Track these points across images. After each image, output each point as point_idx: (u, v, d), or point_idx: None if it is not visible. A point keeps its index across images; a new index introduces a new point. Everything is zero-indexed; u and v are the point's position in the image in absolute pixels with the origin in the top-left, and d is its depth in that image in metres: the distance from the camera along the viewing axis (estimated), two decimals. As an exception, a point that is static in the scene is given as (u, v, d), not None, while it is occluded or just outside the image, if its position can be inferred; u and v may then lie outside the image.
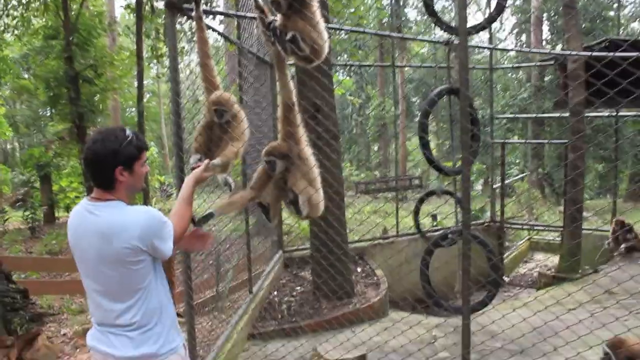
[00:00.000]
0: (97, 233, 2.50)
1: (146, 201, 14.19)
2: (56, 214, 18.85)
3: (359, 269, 7.77)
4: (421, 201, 8.61)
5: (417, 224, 8.35)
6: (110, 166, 2.52)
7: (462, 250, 3.13)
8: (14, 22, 18.95)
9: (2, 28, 18.73)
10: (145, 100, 17.22)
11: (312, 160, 3.23)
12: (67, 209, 18.90)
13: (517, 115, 19.15)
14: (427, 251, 5.17)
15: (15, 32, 19.31)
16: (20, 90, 27.81)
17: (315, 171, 3.23)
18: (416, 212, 8.35)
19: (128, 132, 2.59)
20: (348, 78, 27.65)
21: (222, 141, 3.51)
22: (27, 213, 15.44)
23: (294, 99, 3.24)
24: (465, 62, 3.01)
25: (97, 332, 2.68)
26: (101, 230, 2.49)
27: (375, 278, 7.30)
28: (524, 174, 19.77)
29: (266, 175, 3.37)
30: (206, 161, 3.15)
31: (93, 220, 2.53)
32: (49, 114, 25.78)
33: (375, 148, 31.33)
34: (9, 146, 38.38)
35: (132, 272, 2.51)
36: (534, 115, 18.14)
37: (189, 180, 3.01)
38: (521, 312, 3.81)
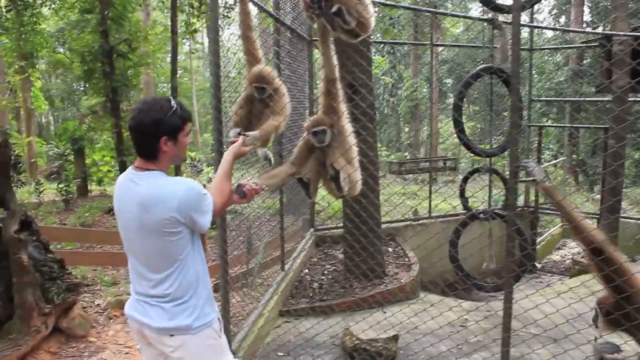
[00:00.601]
0: (138, 202, 2.51)
1: (177, 174, 14.29)
2: (89, 187, 19.16)
3: (390, 250, 7.71)
4: (465, 180, 8.47)
5: (466, 204, 8.19)
6: (154, 136, 2.51)
7: (506, 231, 3.06)
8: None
9: (40, 1, 18.90)
10: (177, 76, 17.23)
11: (352, 137, 3.17)
12: (100, 182, 19.19)
13: (556, 99, 18.66)
14: (455, 230, 5.11)
15: (52, 6, 19.48)
16: (56, 65, 28.21)
17: (355, 149, 3.18)
18: (462, 192, 8.19)
19: (173, 102, 2.57)
20: (381, 57, 27.30)
21: (262, 115, 3.47)
22: (61, 186, 15.70)
23: (337, 73, 3.17)
24: (517, 38, 2.89)
25: (134, 301, 2.70)
26: (141, 200, 2.50)
27: (407, 260, 7.23)
28: (558, 160, 19.32)
29: (307, 150, 3.33)
30: (237, 133, 3.12)
31: (135, 189, 2.54)
32: (83, 88, 26.10)
33: (406, 129, 31.03)
34: (44, 119, 39.06)
35: (170, 243, 2.51)
36: (573, 98, 17.63)
37: (227, 154, 3.00)
38: (554, 301, 3.70)
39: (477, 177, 9.99)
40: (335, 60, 3.17)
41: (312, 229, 8.17)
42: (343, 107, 3.23)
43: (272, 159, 3.62)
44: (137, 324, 2.67)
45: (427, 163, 10.00)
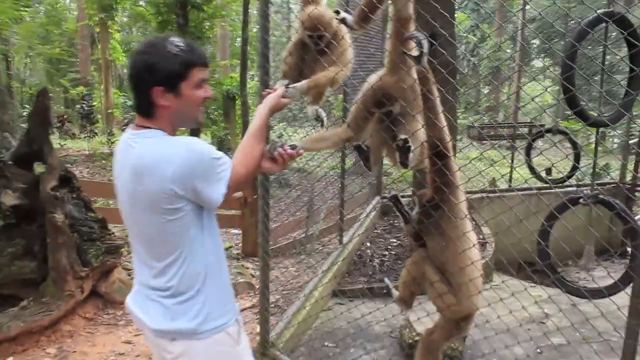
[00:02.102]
0: (130, 170, 1.97)
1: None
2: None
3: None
4: (529, 148, 7.67)
5: (533, 169, 7.43)
6: (145, 85, 1.95)
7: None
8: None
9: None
10: (252, 28, 16.69)
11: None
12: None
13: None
14: (550, 216, 4.30)
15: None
16: (137, 17, 28.49)
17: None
18: (530, 164, 7.46)
19: (177, 42, 1.97)
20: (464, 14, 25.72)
21: (317, 64, 2.80)
22: (132, 137, 15.74)
23: (411, 10, 2.44)
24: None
25: (136, 293, 2.18)
26: (133, 167, 1.96)
27: (481, 237, 6.46)
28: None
29: (367, 111, 2.63)
30: (283, 84, 2.49)
31: (129, 153, 2.00)
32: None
33: (486, 91, 29.45)
34: (125, 71, 39.91)
35: (167, 223, 1.96)
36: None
37: (261, 108, 2.39)
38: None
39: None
40: None
41: (378, 197, 7.49)
42: None
43: (325, 119, 2.95)
44: (138, 322, 2.15)
45: (512, 128, 9.07)
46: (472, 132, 9.21)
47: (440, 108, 2.42)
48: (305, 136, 3.70)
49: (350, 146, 2.89)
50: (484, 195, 7.73)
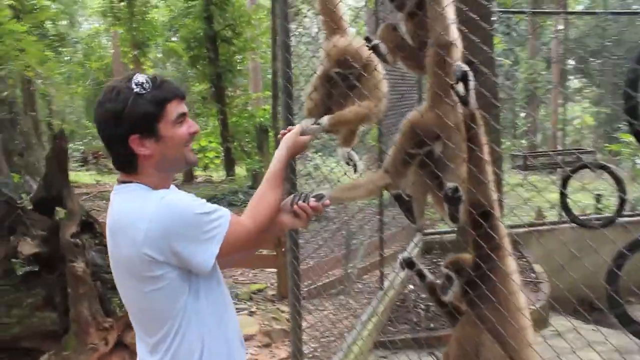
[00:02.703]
0: (108, 231, 1.77)
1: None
2: (195, 173, 19.29)
3: (512, 262, 6.48)
4: (565, 181, 7.05)
5: (566, 206, 6.81)
6: (117, 138, 1.71)
7: None
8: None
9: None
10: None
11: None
12: (205, 168, 19.22)
13: None
14: (619, 255, 3.85)
15: (161, -6, 19.73)
16: (169, 53, 29.00)
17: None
18: (564, 200, 6.86)
19: (141, 79, 1.70)
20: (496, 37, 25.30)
21: (347, 100, 2.47)
22: (165, 171, 15.72)
23: (454, 35, 2.11)
24: None
25: None
26: (109, 228, 1.76)
27: (534, 275, 5.98)
28: None
29: (407, 152, 2.27)
30: (302, 122, 2.21)
31: (109, 212, 1.78)
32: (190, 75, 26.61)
33: (522, 114, 28.81)
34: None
35: (149, 293, 1.69)
36: None
37: (279, 150, 2.09)
38: None
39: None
40: (451, 14, 2.11)
41: (419, 234, 7.08)
42: None
43: (359, 163, 2.59)
44: None
45: (558, 156, 8.56)
46: (516, 161, 8.75)
47: (487, 158, 2.04)
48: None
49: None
50: (532, 228, 7.23)
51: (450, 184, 2.05)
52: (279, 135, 2.23)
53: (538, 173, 11.44)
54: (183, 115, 1.77)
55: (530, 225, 7.54)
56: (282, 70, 2.87)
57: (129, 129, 1.67)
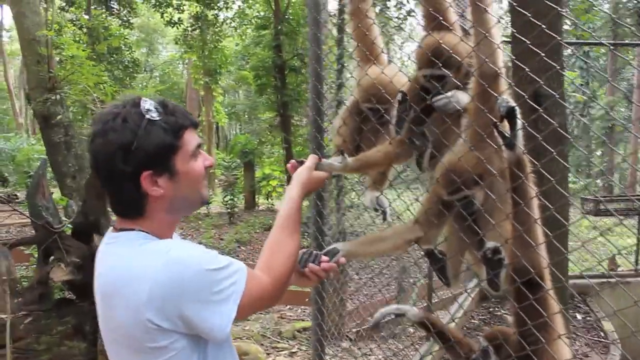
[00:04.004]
0: (99, 291, 1.47)
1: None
2: (256, 201, 19.38)
3: (578, 317, 5.88)
4: None
5: None
6: (123, 176, 1.41)
7: None
8: (232, 14, 19.91)
9: (221, 20, 19.71)
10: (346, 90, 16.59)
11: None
12: (268, 196, 19.25)
13: None
14: None
15: (232, 24, 20.24)
16: (240, 80, 29.70)
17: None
18: None
19: (147, 104, 1.43)
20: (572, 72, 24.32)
21: (377, 136, 2.20)
22: (227, 198, 15.79)
23: (500, 62, 1.78)
24: None
25: None
26: (101, 287, 1.46)
27: (602, 334, 5.39)
28: None
29: (442, 200, 1.95)
30: (313, 156, 1.90)
31: (100, 266, 1.46)
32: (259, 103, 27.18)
33: (598, 153, 27.40)
34: (233, 132, 41.44)
35: None
36: None
37: (291, 187, 1.78)
38: None
39: None
40: (498, 36, 1.79)
41: (475, 279, 6.59)
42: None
43: (388, 210, 2.28)
44: None
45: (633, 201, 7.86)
46: (586, 205, 8.10)
47: (537, 213, 1.69)
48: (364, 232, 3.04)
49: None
50: (602, 280, 6.57)
51: (490, 244, 1.72)
52: (288, 166, 1.94)
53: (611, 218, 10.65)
54: (199, 147, 1.53)
55: (601, 276, 6.87)
56: (312, 101, 2.63)
57: (140, 164, 1.40)
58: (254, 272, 1.51)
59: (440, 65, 1.91)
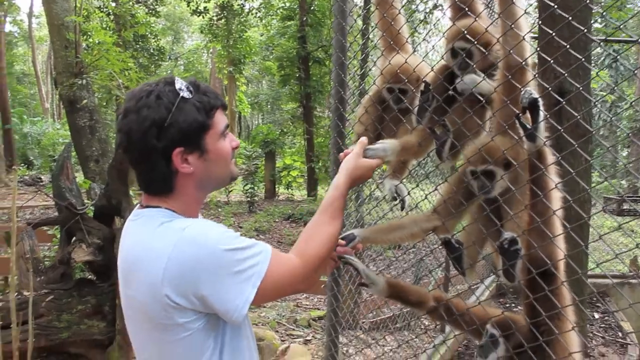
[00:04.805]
0: (120, 268, 1.49)
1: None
2: (277, 191, 19.46)
3: (596, 317, 5.82)
4: None
5: None
6: (154, 152, 1.41)
7: None
8: (258, 4, 19.95)
9: (247, 10, 19.75)
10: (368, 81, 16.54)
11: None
12: (288, 186, 19.33)
13: None
14: None
15: (258, 14, 20.28)
16: (265, 71, 29.81)
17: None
18: None
19: (179, 83, 1.44)
20: (600, 70, 23.89)
21: (399, 125, 2.20)
22: (247, 187, 15.87)
23: (527, 53, 1.77)
24: None
25: None
26: (121, 264, 1.48)
27: (620, 334, 5.33)
28: None
29: (461, 193, 1.94)
30: (362, 139, 1.84)
31: (122, 244, 1.49)
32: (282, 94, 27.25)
33: (624, 153, 26.91)
34: (255, 122, 41.61)
35: (170, 343, 1.40)
36: None
37: (338, 175, 1.74)
38: None
39: None
40: (525, 27, 1.77)
41: (493, 275, 6.57)
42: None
43: (407, 199, 2.28)
44: None
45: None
46: (608, 204, 7.98)
47: (556, 205, 1.66)
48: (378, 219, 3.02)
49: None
50: (622, 280, 6.49)
51: (507, 234, 1.72)
52: (340, 155, 1.88)
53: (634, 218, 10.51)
54: (227, 127, 1.55)
55: (621, 276, 6.78)
56: (335, 90, 2.63)
57: (173, 140, 1.41)
58: (283, 255, 1.50)
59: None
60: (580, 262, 4.76)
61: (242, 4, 19.69)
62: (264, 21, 21.10)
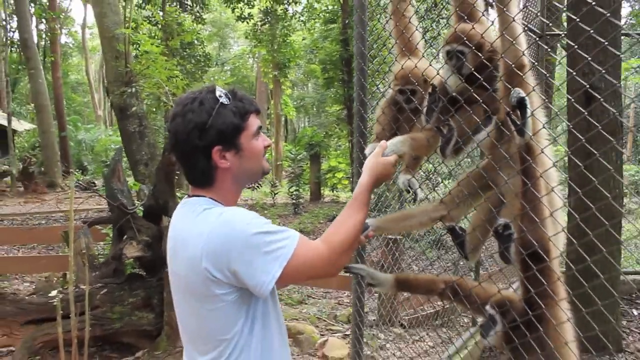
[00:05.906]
0: (168, 247, 1.77)
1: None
2: (322, 193, 19.66)
3: (635, 313, 5.79)
4: None
5: None
6: (198, 150, 1.68)
7: None
8: (301, 8, 20.23)
9: (290, 14, 20.06)
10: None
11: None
12: (333, 188, 19.52)
13: None
14: None
15: (301, 18, 20.53)
16: (310, 74, 30.12)
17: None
18: None
19: (219, 91, 1.70)
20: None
21: (411, 124, 2.39)
22: (292, 189, 16.17)
23: (520, 53, 1.90)
24: None
25: None
26: (170, 243, 1.76)
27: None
28: None
29: (467, 185, 2.13)
30: (382, 143, 2.00)
31: (171, 226, 1.79)
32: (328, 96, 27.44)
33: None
34: (301, 125, 42.05)
35: (207, 312, 1.65)
36: None
37: (362, 175, 1.92)
38: None
39: None
40: (519, 25, 1.91)
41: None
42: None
43: (419, 192, 2.47)
44: None
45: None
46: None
47: (542, 192, 1.82)
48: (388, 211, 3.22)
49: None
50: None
51: (501, 220, 1.89)
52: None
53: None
54: (260, 129, 1.79)
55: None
56: (357, 94, 2.83)
57: (212, 140, 1.66)
58: (310, 241, 1.69)
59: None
60: (614, 259, 4.79)
61: (285, 8, 20.03)
62: (307, 25, 21.35)
